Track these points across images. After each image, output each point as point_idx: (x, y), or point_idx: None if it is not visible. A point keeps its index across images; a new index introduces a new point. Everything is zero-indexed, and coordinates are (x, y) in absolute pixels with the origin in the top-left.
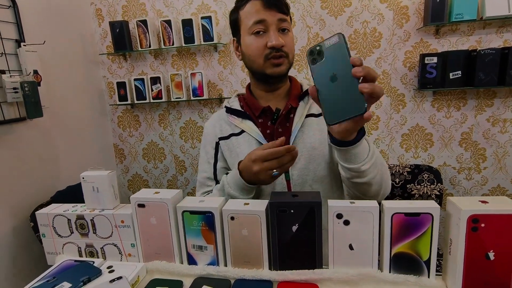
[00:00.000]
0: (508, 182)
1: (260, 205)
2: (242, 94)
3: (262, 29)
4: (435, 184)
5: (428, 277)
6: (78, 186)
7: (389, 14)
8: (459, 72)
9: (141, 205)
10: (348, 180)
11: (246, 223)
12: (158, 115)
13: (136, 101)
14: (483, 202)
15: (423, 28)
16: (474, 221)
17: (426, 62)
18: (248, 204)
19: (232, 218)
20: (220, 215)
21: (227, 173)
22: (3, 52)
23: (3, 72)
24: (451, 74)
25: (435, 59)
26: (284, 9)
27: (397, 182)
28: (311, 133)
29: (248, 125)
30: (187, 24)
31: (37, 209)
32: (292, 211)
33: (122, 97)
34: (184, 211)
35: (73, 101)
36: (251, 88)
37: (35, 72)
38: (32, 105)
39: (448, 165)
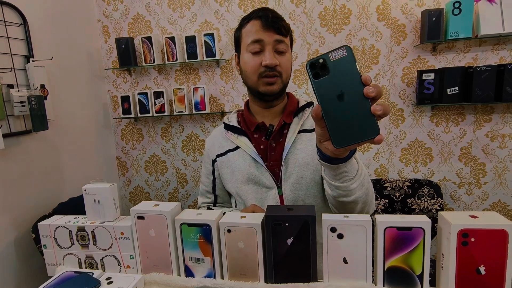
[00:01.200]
0: (509, 197)
1: (256, 218)
2: (241, 110)
3: (259, 48)
4: (435, 199)
5: None
6: (81, 198)
7: (386, 31)
8: (456, 88)
9: (140, 217)
10: (334, 199)
11: (243, 236)
12: (161, 128)
13: (139, 115)
14: (473, 217)
15: (420, 45)
16: (464, 235)
17: (423, 78)
18: (244, 217)
19: (229, 231)
20: (217, 228)
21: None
22: (12, 67)
23: (11, 86)
24: (448, 90)
25: (432, 75)
26: (283, 31)
27: (397, 196)
28: (303, 148)
29: (243, 141)
30: (190, 40)
31: (39, 220)
32: (287, 224)
33: (126, 111)
34: (182, 224)
35: (78, 115)
36: (249, 104)
37: (42, 86)
38: (38, 119)
39: (448, 179)
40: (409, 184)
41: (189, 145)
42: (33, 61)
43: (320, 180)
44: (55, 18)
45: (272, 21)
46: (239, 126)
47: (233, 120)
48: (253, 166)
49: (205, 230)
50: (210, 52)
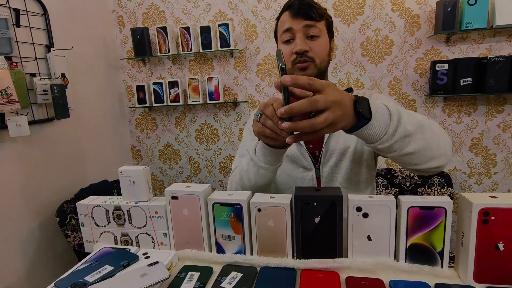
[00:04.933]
0: None
1: (285, 198)
2: None
3: (290, 37)
4: (446, 188)
5: (442, 267)
6: (100, 185)
7: (400, 22)
8: (470, 78)
9: (174, 197)
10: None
11: (272, 215)
12: (175, 117)
13: (154, 104)
14: (493, 197)
15: (434, 36)
16: (485, 214)
17: (437, 68)
18: (273, 197)
19: (259, 210)
20: (248, 207)
21: None
22: (35, 57)
23: (34, 75)
24: (461, 81)
25: (446, 66)
26: (313, 16)
27: (407, 186)
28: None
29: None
30: (205, 31)
31: (62, 205)
32: (315, 204)
33: (141, 100)
34: (214, 203)
35: (95, 103)
36: None
37: (63, 75)
38: (60, 107)
39: (459, 169)
40: None
41: (202, 134)
42: (53, 50)
43: (359, 163)
44: (73, 7)
45: (299, 8)
46: None
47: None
48: (294, 144)
49: (236, 209)
50: (224, 42)
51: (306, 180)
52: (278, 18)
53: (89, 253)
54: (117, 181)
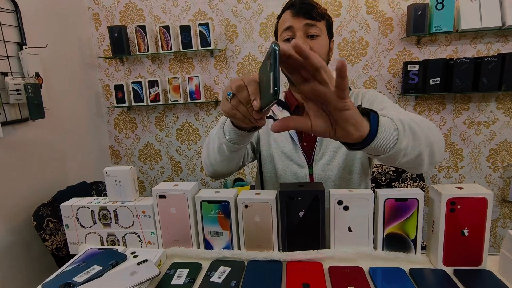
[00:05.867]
0: (483, 179)
1: (270, 194)
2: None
3: (290, 36)
4: (418, 182)
5: (415, 253)
6: (78, 187)
7: (375, 24)
8: (438, 78)
9: (162, 196)
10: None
11: (259, 210)
12: (155, 117)
13: (133, 104)
14: (459, 188)
15: (406, 38)
16: (452, 203)
17: (409, 69)
18: (259, 193)
19: (246, 206)
20: (235, 204)
21: None
22: (7, 55)
23: (5, 74)
24: (431, 81)
25: (417, 67)
26: (314, 15)
27: (383, 180)
28: None
29: (285, 115)
30: (185, 30)
31: (39, 208)
32: (299, 198)
33: (120, 100)
34: (202, 201)
35: (71, 103)
36: None
37: (37, 74)
38: (34, 107)
39: None
40: (393, 168)
41: (183, 133)
42: (26, 48)
43: (352, 163)
44: (46, 4)
45: (300, 7)
46: (284, 101)
47: (281, 95)
48: (289, 141)
49: (224, 206)
50: (204, 41)
51: (299, 177)
52: (279, 17)
53: (71, 256)
54: (96, 183)
